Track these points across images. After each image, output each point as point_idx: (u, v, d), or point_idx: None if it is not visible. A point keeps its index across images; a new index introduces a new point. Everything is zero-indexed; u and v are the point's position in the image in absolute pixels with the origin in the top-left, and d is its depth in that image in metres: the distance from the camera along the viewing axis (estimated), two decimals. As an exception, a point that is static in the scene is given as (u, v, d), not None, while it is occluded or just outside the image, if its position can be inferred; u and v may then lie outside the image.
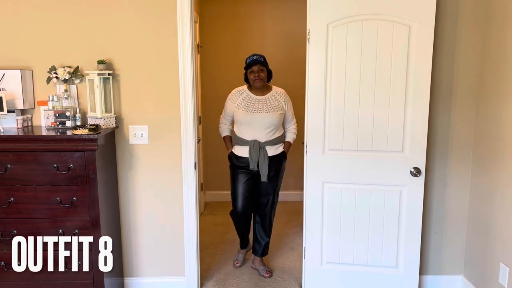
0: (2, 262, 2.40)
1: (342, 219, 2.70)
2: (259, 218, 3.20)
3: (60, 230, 2.38)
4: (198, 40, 4.26)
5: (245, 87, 3.06)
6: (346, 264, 2.75)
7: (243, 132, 3.01)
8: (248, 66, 2.98)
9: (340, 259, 2.75)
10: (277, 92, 3.04)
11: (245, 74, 3.04)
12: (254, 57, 2.95)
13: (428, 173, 2.74)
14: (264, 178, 2.98)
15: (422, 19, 2.43)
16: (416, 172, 2.56)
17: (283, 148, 3.08)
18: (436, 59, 2.62)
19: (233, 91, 3.08)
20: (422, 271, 2.84)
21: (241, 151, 3.03)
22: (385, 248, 2.70)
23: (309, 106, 2.60)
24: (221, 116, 3.17)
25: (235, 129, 3.09)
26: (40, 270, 2.40)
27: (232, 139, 3.14)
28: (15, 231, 2.38)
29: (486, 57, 2.60)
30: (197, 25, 4.26)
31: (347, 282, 2.77)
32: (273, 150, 3.02)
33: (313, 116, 2.61)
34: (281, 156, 3.06)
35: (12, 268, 2.40)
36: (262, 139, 2.97)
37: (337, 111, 2.58)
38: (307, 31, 2.55)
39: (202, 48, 4.49)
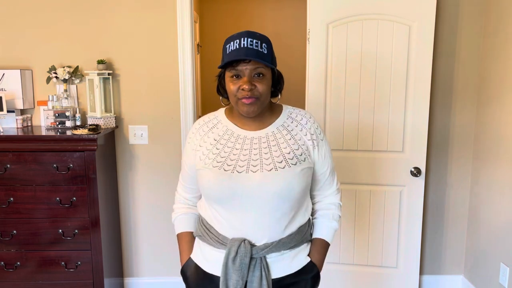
0: (2, 262, 2.40)
1: (342, 219, 2.70)
2: None
3: (60, 230, 2.38)
4: (198, 40, 4.26)
5: (220, 112, 1.41)
6: (346, 264, 2.74)
7: (216, 219, 1.32)
8: (228, 63, 1.28)
9: (340, 259, 2.75)
10: (294, 119, 1.38)
11: (219, 81, 1.40)
12: (244, 42, 1.24)
13: (428, 173, 2.74)
14: None
15: (422, 19, 2.43)
16: (416, 172, 2.56)
17: (309, 255, 1.39)
18: (436, 59, 2.62)
19: (194, 124, 1.43)
20: (422, 271, 2.84)
21: (210, 261, 1.34)
22: (385, 248, 2.69)
23: (309, 106, 2.60)
24: (178, 184, 1.51)
25: (201, 211, 1.40)
26: (40, 270, 2.41)
27: (196, 230, 1.43)
28: (15, 231, 2.37)
29: (486, 57, 2.59)
30: (197, 25, 4.26)
31: (347, 282, 2.76)
32: (287, 263, 1.32)
33: (313, 116, 2.60)
34: (308, 274, 1.36)
35: (12, 268, 2.40)
36: (260, 237, 1.28)
37: (337, 111, 2.58)
38: (307, 31, 2.55)
39: (202, 48, 4.49)
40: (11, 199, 2.34)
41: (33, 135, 2.42)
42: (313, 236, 1.41)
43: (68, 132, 2.42)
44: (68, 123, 2.57)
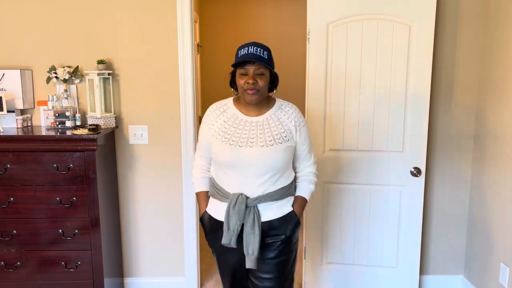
0: (2, 262, 2.40)
1: (342, 219, 2.70)
2: None
3: (60, 230, 2.38)
4: (198, 40, 4.26)
5: (229, 100, 1.86)
6: (346, 264, 2.74)
7: (223, 179, 1.81)
8: (239, 63, 1.72)
9: (340, 259, 2.75)
10: (283, 110, 1.82)
11: (232, 76, 1.81)
12: (251, 49, 1.70)
13: (428, 173, 2.74)
14: (250, 264, 1.73)
15: (422, 19, 2.43)
16: (416, 172, 2.56)
17: (292, 206, 1.84)
18: (436, 59, 2.62)
19: (210, 107, 1.88)
20: (422, 271, 2.84)
21: (219, 211, 1.82)
22: (385, 248, 2.69)
23: (309, 105, 2.60)
24: (195, 154, 1.98)
25: (212, 172, 1.90)
26: (40, 270, 2.41)
27: (210, 189, 1.91)
28: (15, 231, 2.38)
29: (486, 57, 2.59)
30: (197, 25, 4.26)
31: (347, 282, 2.76)
32: (273, 211, 1.79)
33: (313, 116, 2.60)
34: (289, 220, 1.81)
35: (12, 268, 2.40)
36: (253, 192, 1.75)
37: (337, 111, 2.58)
38: (307, 31, 2.55)
39: (202, 48, 4.49)
40: (11, 199, 2.34)
41: (33, 135, 2.42)
42: (296, 195, 1.88)
43: (68, 132, 2.42)
44: (68, 123, 2.57)
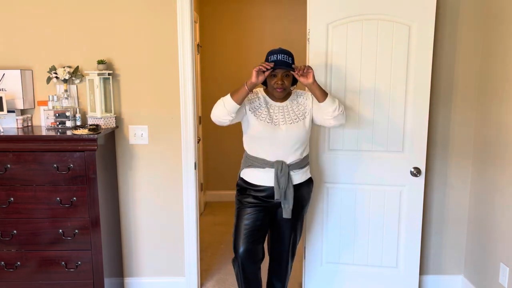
0: (2, 262, 2.40)
1: (342, 219, 2.70)
2: (276, 268, 2.42)
3: (60, 230, 2.38)
4: (198, 40, 4.26)
5: (260, 89, 2.31)
6: (346, 264, 2.75)
7: (260, 151, 2.22)
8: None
9: (340, 259, 2.75)
10: (298, 94, 2.30)
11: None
12: (279, 57, 2.10)
13: (428, 173, 2.74)
14: (287, 214, 2.23)
15: (422, 19, 2.43)
16: (416, 172, 2.56)
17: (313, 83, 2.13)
18: (436, 59, 2.62)
19: (254, 91, 2.28)
20: (422, 271, 2.84)
21: (259, 177, 2.24)
22: (385, 248, 2.69)
23: (309, 106, 2.60)
24: (222, 99, 2.15)
25: (246, 147, 2.30)
26: (40, 270, 2.41)
27: (243, 161, 2.34)
28: (15, 231, 2.38)
29: (486, 57, 2.60)
30: (197, 25, 4.26)
31: (347, 282, 2.77)
32: (300, 176, 2.28)
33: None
34: (309, 183, 2.36)
35: (12, 268, 2.40)
36: (288, 160, 2.21)
37: (337, 111, 2.58)
38: (307, 31, 2.55)
39: (202, 48, 4.49)
40: (11, 199, 2.34)
41: (33, 135, 2.42)
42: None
43: (68, 132, 2.42)
44: (68, 123, 2.57)
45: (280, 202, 2.24)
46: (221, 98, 2.13)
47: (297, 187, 2.26)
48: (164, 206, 2.80)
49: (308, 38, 2.55)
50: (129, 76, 2.67)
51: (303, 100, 2.27)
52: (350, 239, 2.71)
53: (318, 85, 2.14)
